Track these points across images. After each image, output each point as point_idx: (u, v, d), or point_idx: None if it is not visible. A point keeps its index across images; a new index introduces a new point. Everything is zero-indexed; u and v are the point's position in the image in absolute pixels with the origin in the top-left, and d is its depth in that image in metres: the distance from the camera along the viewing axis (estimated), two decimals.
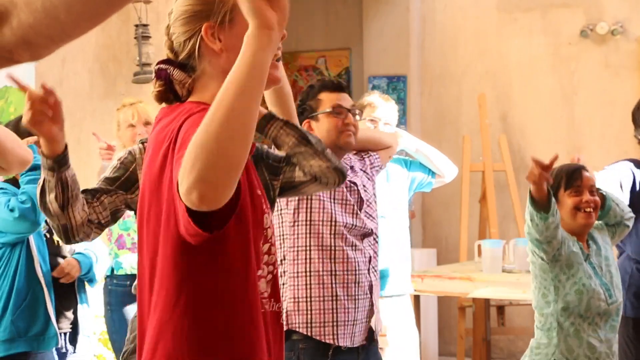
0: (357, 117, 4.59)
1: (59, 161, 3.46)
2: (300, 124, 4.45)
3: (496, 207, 9.50)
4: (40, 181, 3.52)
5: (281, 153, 3.51)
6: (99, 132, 5.83)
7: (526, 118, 9.87)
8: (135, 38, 6.91)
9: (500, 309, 9.32)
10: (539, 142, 9.76)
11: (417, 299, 7.21)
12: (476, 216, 9.71)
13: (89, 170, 5.82)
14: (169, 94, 2.56)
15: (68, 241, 3.69)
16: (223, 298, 2.46)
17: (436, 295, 8.74)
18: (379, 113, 5.90)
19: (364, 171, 4.76)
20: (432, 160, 6.08)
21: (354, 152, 4.80)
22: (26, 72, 6.27)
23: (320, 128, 4.48)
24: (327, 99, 4.53)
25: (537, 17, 9.81)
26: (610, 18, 9.46)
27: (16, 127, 5.01)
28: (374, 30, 10.34)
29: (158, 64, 2.56)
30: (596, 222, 4.60)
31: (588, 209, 4.39)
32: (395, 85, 10.16)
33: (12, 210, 4.72)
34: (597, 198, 4.46)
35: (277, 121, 3.48)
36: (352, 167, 4.71)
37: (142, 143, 3.77)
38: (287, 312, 4.46)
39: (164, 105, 2.68)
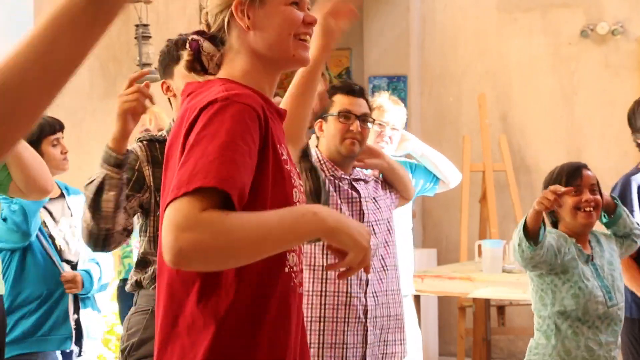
0: (369, 125, 4.59)
1: (123, 161, 3.50)
2: (314, 124, 4.56)
3: (496, 207, 9.53)
4: (99, 178, 3.51)
5: None
6: (99, 132, 5.82)
7: (526, 118, 9.89)
8: (135, 38, 6.90)
9: (501, 309, 9.34)
10: (539, 142, 9.80)
11: (417, 298, 7.22)
12: (476, 216, 9.73)
13: (89, 169, 5.82)
14: (196, 64, 2.56)
15: (99, 248, 3.67)
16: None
17: (436, 295, 8.76)
18: (387, 117, 5.85)
19: (385, 193, 4.78)
20: (438, 166, 6.09)
21: (382, 180, 4.83)
22: None
23: (328, 130, 4.51)
24: (338, 102, 4.51)
25: (537, 17, 9.83)
26: (611, 18, 9.49)
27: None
28: (374, 30, 10.37)
29: (191, 34, 2.58)
30: (606, 231, 4.62)
31: (588, 208, 4.36)
32: (396, 85, 10.16)
33: (4, 219, 4.71)
34: (598, 197, 4.43)
35: (305, 162, 3.54)
36: (373, 183, 4.73)
37: (141, 141, 3.77)
38: None
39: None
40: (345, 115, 4.44)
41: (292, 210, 2.43)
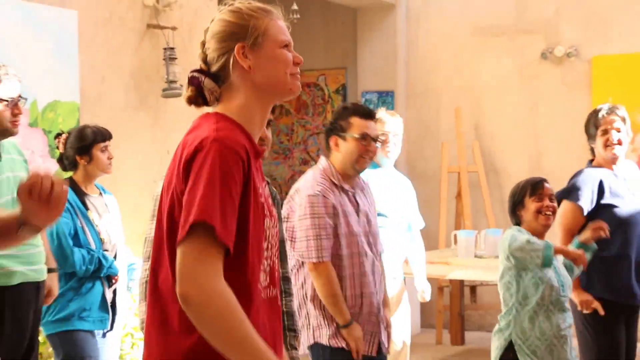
0: (379, 145, 4.60)
1: None
2: (328, 138, 4.57)
3: (470, 203, 9.57)
4: None
5: None
6: (132, 139, 5.82)
7: (496, 127, 9.86)
8: (163, 59, 6.93)
9: (473, 288, 9.35)
10: (506, 148, 9.79)
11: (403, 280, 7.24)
12: (452, 210, 9.76)
13: (122, 171, 5.81)
14: (198, 99, 2.54)
15: None
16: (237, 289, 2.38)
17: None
18: (388, 127, 5.80)
19: (371, 212, 4.72)
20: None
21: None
22: (71, 88, 6.32)
23: (345, 148, 4.45)
24: (356, 124, 4.46)
25: (505, 42, 9.79)
26: (566, 43, 9.46)
27: (81, 133, 5.08)
28: (366, 52, 10.33)
29: (191, 72, 2.55)
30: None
31: (548, 212, 4.44)
32: (385, 99, 10.14)
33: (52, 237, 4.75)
34: (555, 204, 4.51)
35: None
36: (367, 190, 4.75)
37: None
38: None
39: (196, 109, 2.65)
40: (364, 137, 4.43)
41: (260, 349, 2.29)
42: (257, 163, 2.50)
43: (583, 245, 4.82)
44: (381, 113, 5.95)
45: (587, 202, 5.27)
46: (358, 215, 4.54)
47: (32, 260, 4.34)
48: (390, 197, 5.77)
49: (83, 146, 5.03)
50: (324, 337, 4.43)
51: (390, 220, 5.72)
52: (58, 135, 5.25)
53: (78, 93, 6.38)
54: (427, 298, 6.43)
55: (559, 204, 5.20)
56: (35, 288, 4.38)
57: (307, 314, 4.51)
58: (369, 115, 4.53)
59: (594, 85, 9.34)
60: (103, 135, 5.09)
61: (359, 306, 4.46)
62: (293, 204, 4.53)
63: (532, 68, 9.70)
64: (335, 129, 4.51)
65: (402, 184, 6.05)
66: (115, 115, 6.39)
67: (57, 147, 5.23)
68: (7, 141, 4.42)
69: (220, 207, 2.28)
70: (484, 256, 7.62)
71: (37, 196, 2.39)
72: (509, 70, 9.80)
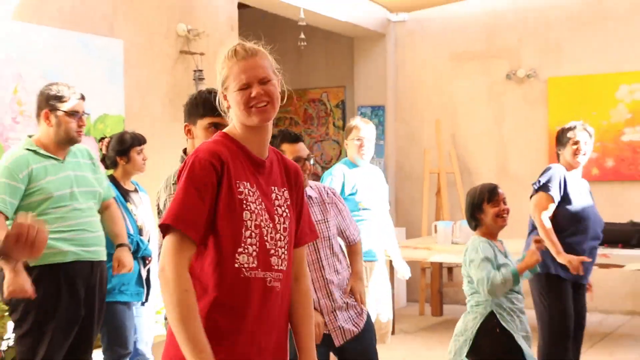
0: (311, 162, 4.24)
1: None
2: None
3: (447, 199, 9.56)
4: None
5: None
6: (167, 146, 5.82)
7: (469, 137, 9.84)
8: (193, 80, 6.96)
9: (450, 269, 9.33)
10: (477, 154, 9.78)
11: (392, 262, 7.24)
12: (433, 205, 9.72)
13: (156, 171, 5.82)
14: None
15: None
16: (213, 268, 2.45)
17: (405, 259, 8.72)
18: (362, 133, 5.74)
19: (322, 201, 4.28)
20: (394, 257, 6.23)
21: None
22: (117, 103, 6.33)
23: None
24: (288, 150, 4.09)
25: (477, 65, 9.77)
26: (526, 66, 9.45)
27: (120, 138, 5.09)
28: (362, 73, 10.33)
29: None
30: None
31: (504, 215, 4.34)
32: (377, 113, 10.12)
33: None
34: (508, 207, 4.40)
35: None
36: (310, 197, 4.27)
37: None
38: None
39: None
40: (298, 160, 4.10)
41: (200, 343, 2.32)
42: (244, 166, 2.50)
43: (516, 273, 4.37)
44: (356, 121, 5.89)
45: (556, 193, 5.30)
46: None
47: (86, 243, 4.26)
48: (372, 193, 5.74)
49: (122, 149, 5.08)
50: None
51: (373, 212, 5.69)
52: (101, 139, 5.28)
53: (123, 107, 6.40)
54: (407, 276, 6.35)
55: (531, 197, 5.33)
56: (90, 266, 4.33)
57: None
58: (295, 139, 4.20)
59: (549, 102, 9.31)
60: (139, 140, 5.14)
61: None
62: None
63: (498, 87, 9.67)
64: None
65: (377, 177, 5.95)
66: (154, 126, 6.42)
67: (101, 149, 5.28)
68: (78, 147, 4.43)
69: (187, 209, 2.39)
70: (459, 243, 7.63)
71: (22, 243, 2.40)
72: (479, 89, 9.78)
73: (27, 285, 3.92)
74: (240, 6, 7.90)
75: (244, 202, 2.45)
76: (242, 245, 2.43)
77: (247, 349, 2.47)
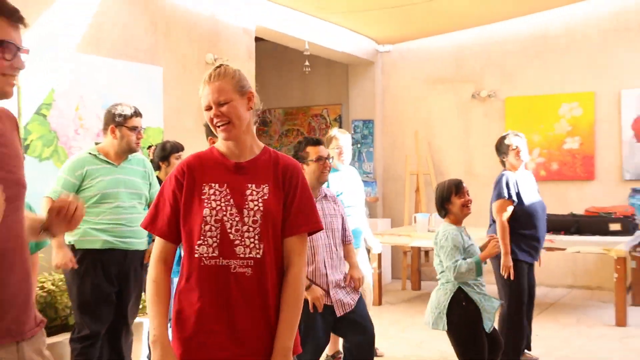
0: (330, 161, 4.28)
1: None
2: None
3: (424, 195, 9.52)
4: None
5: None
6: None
7: (442, 145, 9.82)
8: None
9: (426, 252, 9.25)
10: (448, 159, 9.74)
11: (366, 241, 7.20)
12: (413, 200, 9.71)
13: None
14: None
15: None
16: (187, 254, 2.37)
17: (390, 245, 8.78)
18: (341, 142, 5.54)
19: (334, 200, 4.33)
20: (367, 235, 5.91)
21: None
22: (157, 118, 6.30)
23: (309, 170, 4.17)
24: (312, 151, 4.19)
25: (448, 87, 9.74)
26: (488, 88, 9.44)
27: (163, 146, 5.10)
28: (355, 93, 10.29)
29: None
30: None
31: (469, 205, 4.25)
32: (367, 125, 10.08)
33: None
34: (471, 199, 4.29)
35: None
36: (330, 198, 4.33)
37: None
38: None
39: None
40: (319, 159, 4.20)
41: (155, 322, 2.28)
42: (234, 172, 2.37)
43: (479, 262, 4.27)
44: (334, 131, 5.66)
45: (512, 194, 5.28)
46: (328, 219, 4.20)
47: (122, 235, 4.25)
48: (352, 193, 5.57)
49: (164, 155, 5.11)
50: None
51: (355, 208, 5.51)
52: (149, 147, 5.34)
53: (162, 121, 6.38)
54: (379, 250, 6.22)
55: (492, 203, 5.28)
56: (124, 254, 4.28)
57: None
58: (317, 142, 4.25)
59: (506, 117, 9.30)
60: (177, 148, 5.15)
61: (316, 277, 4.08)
62: None
63: (465, 105, 9.65)
64: (299, 159, 4.18)
65: (354, 177, 5.71)
66: (186, 137, 6.37)
67: (149, 155, 5.34)
68: (136, 156, 4.42)
69: (157, 211, 2.38)
70: (434, 231, 7.37)
71: (62, 216, 2.17)
72: (450, 106, 9.76)
73: (69, 259, 4.01)
74: (257, 39, 7.90)
75: (205, 200, 2.31)
76: (202, 237, 2.28)
77: (213, 327, 2.28)
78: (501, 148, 5.51)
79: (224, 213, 2.30)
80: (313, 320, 4.01)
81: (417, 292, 8.93)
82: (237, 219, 2.30)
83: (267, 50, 9.95)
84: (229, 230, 2.29)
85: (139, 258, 4.39)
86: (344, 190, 5.42)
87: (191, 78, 6.83)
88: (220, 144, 2.43)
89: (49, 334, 4.60)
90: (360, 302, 4.22)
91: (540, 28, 9.17)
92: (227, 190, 2.33)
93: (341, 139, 5.60)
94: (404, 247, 8.90)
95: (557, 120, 9.03)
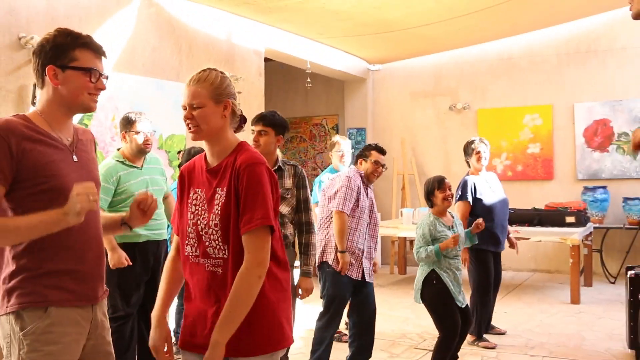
0: (384, 169, 4.35)
1: None
2: (357, 160, 4.41)
3: (409, 193, 9.52)
4: None
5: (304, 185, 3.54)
6: None
7: (424, 150, 9.80)
8: None
9: (411, 242, 9.12)
10: (430, 162, 9.71)
11: None
12: (399, 197, 9.69)
13: None
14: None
15: None
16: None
17: (380, 235, 8.70)
18: (343, 147, 5.65)
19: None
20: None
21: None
22: (180, 125, 6.21)
23: (365, 166, 4.30)
24: (374, 155, 4.31)
25: (428, 101, 9.73)
26: (463, 101, 9.43)
27: (188, 151, 5.01)
28: (350, 105, 10.27)
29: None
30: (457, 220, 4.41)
31: (449, 199, 4.24)
32: (360, 133, 10.06)
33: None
34: (452, 192, 4.29)
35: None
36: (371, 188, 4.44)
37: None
38: (320, 250, 4.25)
39: None
40: (377, 162, 4.31)
41: (162, 297, 2.26)
42: (212, 176, 2.19)
43: (470, 235, 4.64)
44: (337, 137, 5.74)
45: (470, 197, 5.32)
46: (367, 197, 4.33)
47: (154, 228, 4.25)
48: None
49: (189, 159, 5.07)
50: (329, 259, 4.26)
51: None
52: (179, 152, 5.31)
53: (185, 129, 6.32)
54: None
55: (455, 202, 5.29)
56: (157, 244, 4.29)
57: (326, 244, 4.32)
58: (381, 151, 4.37)
59: (479, 126, 9.28)
60: (200, 153, 5.14)
61: (352, 247, 4.23)
62: (334, 182, 4.35)
63: (444, 116, 9.63)
64: (362, 156, 4.34)
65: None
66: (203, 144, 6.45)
67: (178, 158, 5.30)
68: (151, 155, 4.38)
69: (175, 209, 2.30)
70: (417, 223, 7.63)
71: (141, 209, 2.29)
72: (431, 117, 9.74)
73: (125, 258, 4.00)
74: (266, 60, 7.88)
75: (190, 204, 2.19)
76: (187, 238, 2.17)
77: (195, 318, 2.16)
78: (467, 150, 5.52)
79: (199, 217, 2.14)
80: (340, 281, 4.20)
81: (403, 275, 8.92)
82: (205, 221, 2.12)
83: (275, 68, 9.96)
84: (201, 233, 2.13)
85: (164, 246, 4.39)
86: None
87: None
88: (205, 149, 2.28)
89: None
90: (370, 286, 4.31)
91: (505, 51, 9.19)
92: (204, 194, 2.17)
93: (343, 144, 5.69)
94: (392, 237, 8.90)
95: (521, 129, 9.03)
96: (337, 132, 10.46)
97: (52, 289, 2.03)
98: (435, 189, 4.29)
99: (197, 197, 2.18)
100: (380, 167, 4.31)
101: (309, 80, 8.29)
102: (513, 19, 7.86)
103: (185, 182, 2.25)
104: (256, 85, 7.41)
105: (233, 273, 2.06)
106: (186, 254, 2.18)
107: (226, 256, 2.09)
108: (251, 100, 7.31)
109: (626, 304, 4.92)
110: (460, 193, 5.37)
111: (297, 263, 4.01)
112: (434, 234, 4.21)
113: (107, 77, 2.17)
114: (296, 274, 3.93)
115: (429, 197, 4.32)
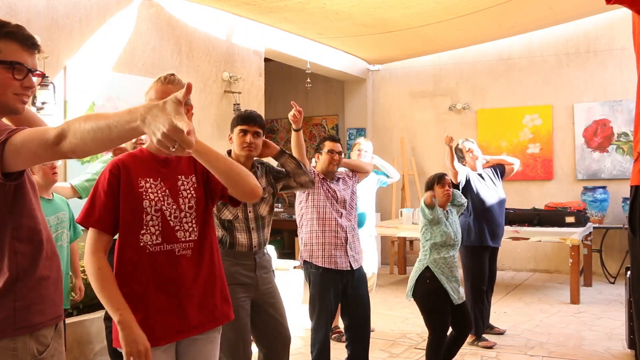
0: (343, 155, 4.28)
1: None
2: (314, 155, 4.38)
3: (409, 193, 9.55)
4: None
5: (281, 169, 3.41)
6: None
7: (424, 150, 9.82)
8: (234, 111, 6.93)
9: (411, 242, 9.31)
10: (429, 161, 9.73)
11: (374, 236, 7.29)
12: (399, 197, 9.72)
13: None
14: None
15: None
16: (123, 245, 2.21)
17: (380, 235, 8.69)
18: (363, 147, 5.71)
19: (350, 180, 4.38)
20: (388, 170, 6.02)
21: (350, 171, 4.46)
22: None
23: (322, 159, 4.25)
24: (327, 145, 4.26)
25: (428, 101, 9.76)
26: (462, 101, 9.45)
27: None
28: (349, 105, 10.30)
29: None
30: (451, 204, 4.48)
31: (448, 193, 4.32)
32: (360, 133, 10.05)
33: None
34: (451, 189, 4.39)
35: (285, 154, 3.38)
36: (343, 179, 4.35)
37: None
38: (302, 250, 4.21)
39: None
40: (331, 152, 4.24)
41: (116, 303, 2.10)
42: (163, 167, 2.26)
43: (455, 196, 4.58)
44: (360, 139, 5.85)
45: (463, 173, 5.43)
46: (330, 189, 4.24)
47: None
48: (365, 187, 5.74)
49: None
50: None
51: (363, 199, 5.64)
52: None
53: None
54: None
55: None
56: None
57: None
58: (333, 139, 4.30)
59: (478, 126, 9.31)
60: None
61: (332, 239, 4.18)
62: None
63: (443, 116, 9.66)
64: (318, 149, 4.31)
65: (370, 176, 5.79)
66: (206, 141, 6.45)
67: None
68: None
69: (92, 206, 2.18)
70: (417, 223, 7.61)
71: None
72: (430, 117, 9.76)
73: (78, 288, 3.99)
74: (266, 60, 7.89)
75: (144, 193, 2.19)
76: (145, 227, 2.17)
77: (164, 307, 2.18)
78: (458, 154, 5.63)
79: (162, 203, 2.20)
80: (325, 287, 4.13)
81: (402, 275, 8.93)
82: (174, 207, 2.22)
83: (275, 69, 9.97)
84: (168, 218, 2.21)
85: None
86: (360, 184, 5.50)
87: (210, 92, 6.84)
88: (150, 145, 2.28)
89: (89, 311, 4.61)
90: (362, 282, 4.28)
91: (505, 51, 9.20)
92: (162, 183, 2.23)
93: (363, 144, 5.81)
94: (391, 237, 8.91)
95: (521, 129, 9.04)
96: (337, 132, 10.47)
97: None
98: (435, 183, 4.37)
99: (150, 185, 2.22)
100: (336, 155, 4.22)
101: (308, 80, 8.30)
102: (513, 19, 7.86)
103: (129, 173, 2.19)
104: (256, 85, 7.42)
105: (202, 254, 2.26)
106: (141, 244, 2.17)
107: (197, 238, 2.25)
108: (251, 100, 7.31)
109: (625, 303, 4.93)
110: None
111: (279, 264, 3.97)
112: (437, 213, 4.27)
113: (42, 75, 1.86)
114: (282, 275, 3.90)
115: (431, 190, 4.39)
